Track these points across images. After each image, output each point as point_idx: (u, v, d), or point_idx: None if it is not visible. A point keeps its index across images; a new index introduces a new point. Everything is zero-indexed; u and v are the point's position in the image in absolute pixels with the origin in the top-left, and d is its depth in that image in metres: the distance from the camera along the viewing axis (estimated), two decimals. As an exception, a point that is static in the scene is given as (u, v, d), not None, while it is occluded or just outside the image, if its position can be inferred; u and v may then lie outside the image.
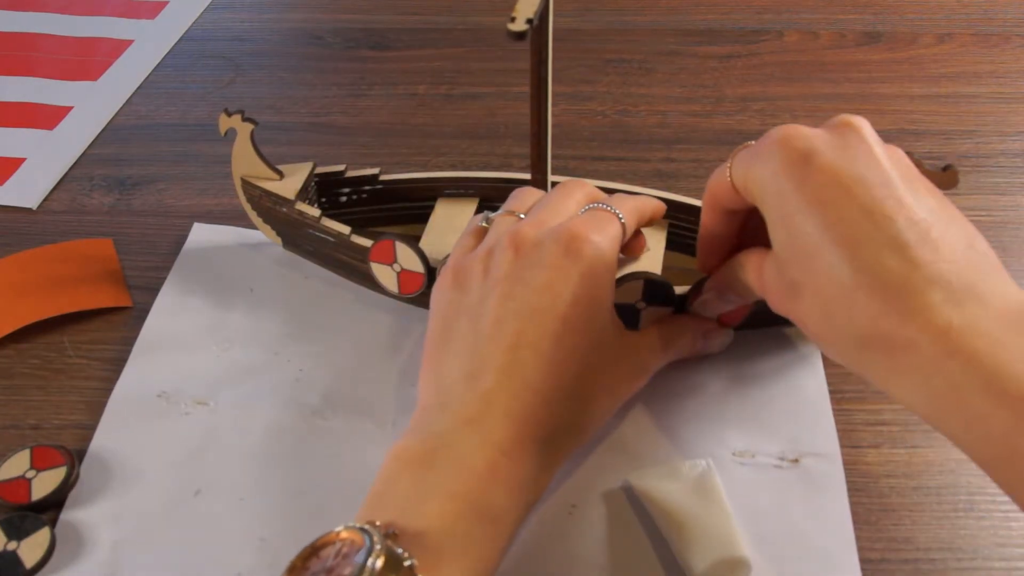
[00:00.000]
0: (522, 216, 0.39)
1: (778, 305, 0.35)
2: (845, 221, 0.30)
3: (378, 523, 0.28)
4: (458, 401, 0.33)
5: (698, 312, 0.41)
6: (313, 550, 0.27)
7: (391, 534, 0.28)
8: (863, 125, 0.32)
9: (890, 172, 0.31)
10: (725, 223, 0.38)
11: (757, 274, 0.36)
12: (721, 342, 0.43)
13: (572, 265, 0.35)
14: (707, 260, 0.40)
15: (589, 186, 0.40)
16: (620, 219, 0.38)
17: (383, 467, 0.32)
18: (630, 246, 0.41)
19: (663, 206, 0.42)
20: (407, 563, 0.27)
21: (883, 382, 0.30)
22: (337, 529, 0.28)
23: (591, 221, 0.37)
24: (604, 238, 0.36)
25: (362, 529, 0.27)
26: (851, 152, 0.31)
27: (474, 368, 0.34)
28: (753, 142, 0.34)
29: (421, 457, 0.31)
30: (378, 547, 0.26)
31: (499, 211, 0.40)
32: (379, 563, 0.26)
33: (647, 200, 0.41)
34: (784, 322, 0.44)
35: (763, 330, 0.44)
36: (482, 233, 0.40)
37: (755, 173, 0.33)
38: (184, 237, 0.51)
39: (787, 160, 0.31)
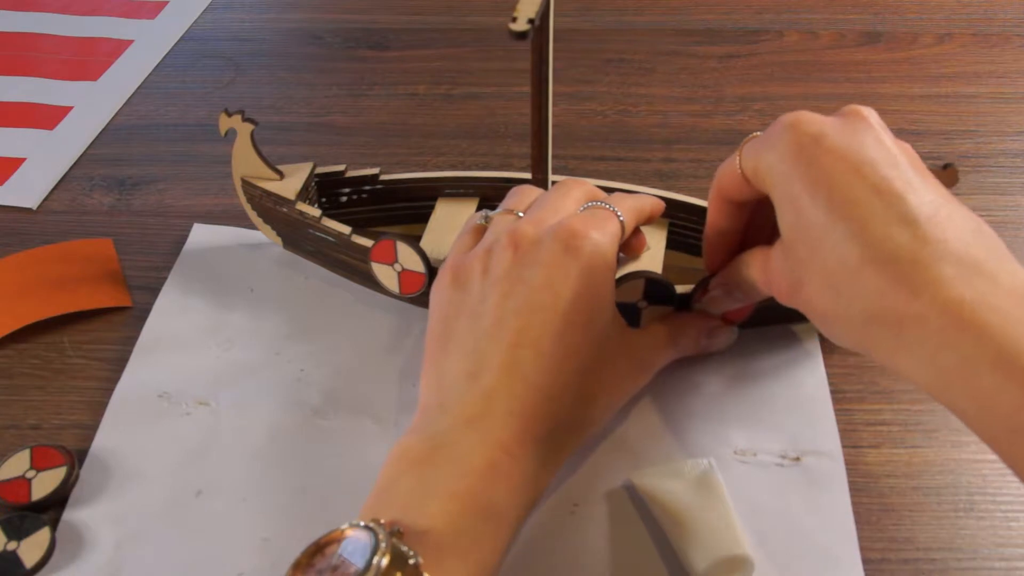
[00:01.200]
0: (521, 214, 0.39)
1: (784, 295, 0.35)
2: (854, 199, 0.30)
3: (382, 521, 0.28)
4: (459, 400, 0.33)
5: (704, 309, 0.42)
6: (318, 548, 0.28)
7: (396, 532, 0.28)
8: (871, 114, 0.33)
9: (898, 156, 0.31)
10: (731, 217, 0.38)
11: (762, 269, 0.36)
12: (725, 340, 0.42)
13: (571, 262, 0.35)
14: (713, 258, 0.40)
15: (587, 184, 0.40)
16: (619, 217, 0.38)
17: (385, 466, 0.32)
18: (631, 245, 0.41)
19: (662, 204, 0.42)
20: (412, 561, 0.27)
21: (889, 358, 0.30)
22: (342, 527, 0.28)
23: (590, 219, 0.37)
24: (603, 235, 0.36)
25: (367, 527, 0.27)
26: (860, 136, 0.31)
27: (475, 367, 0.34)
28: (761, 132, 0.34)
29: (423, 456, 0.31)
30: (383, 544, 0.26)
31: (497, 209, 0.40)
32: (385, 560, 0.26)
33: (646, 198, 0.41)
34: (789, 318, 0.44)
35: (764, 328, 0.44)
36: (480, 232, 0.40)
37: (765, 158, 0.33)
38: (184, 237, 0.51)
39: (796, 143, 0.32)
